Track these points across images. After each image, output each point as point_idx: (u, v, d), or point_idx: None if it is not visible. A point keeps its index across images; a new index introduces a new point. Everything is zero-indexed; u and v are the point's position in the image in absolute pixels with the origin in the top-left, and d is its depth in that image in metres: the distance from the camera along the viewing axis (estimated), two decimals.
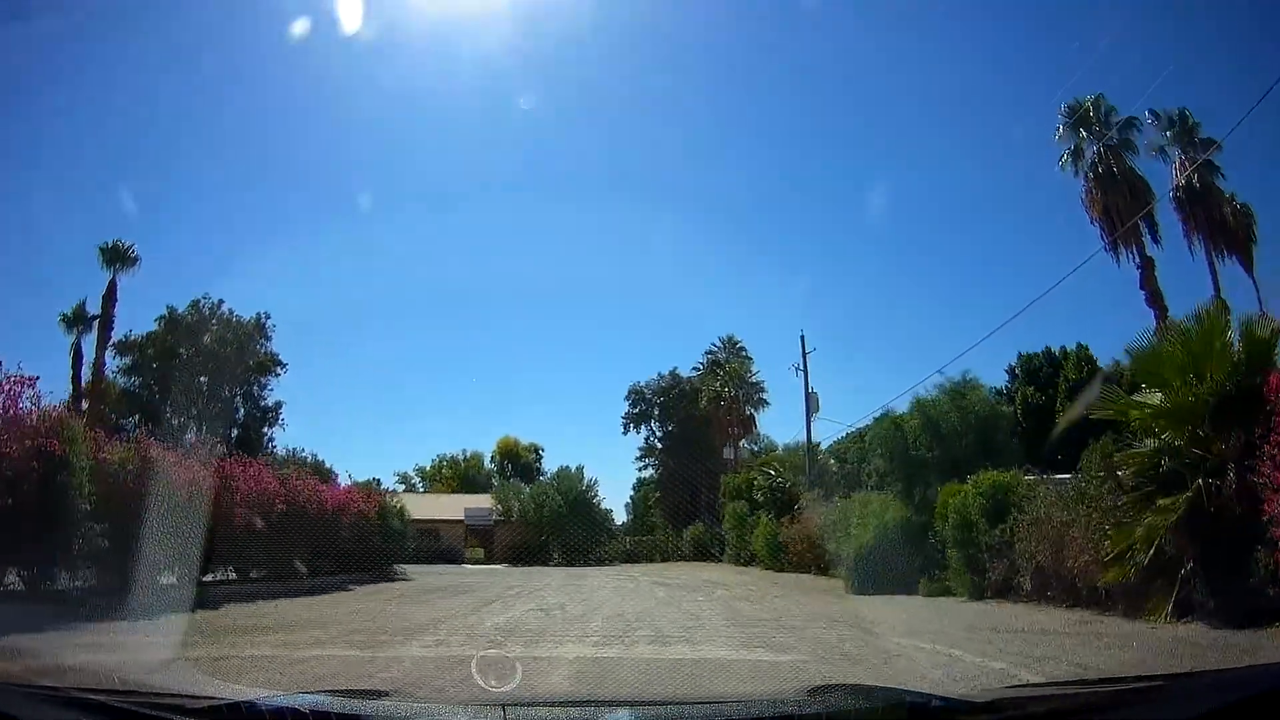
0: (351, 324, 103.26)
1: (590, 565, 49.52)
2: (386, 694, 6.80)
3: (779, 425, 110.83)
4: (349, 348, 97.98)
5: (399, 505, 39.60)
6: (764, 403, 69.14)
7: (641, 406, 77.32)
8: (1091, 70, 54.61)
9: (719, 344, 71.90)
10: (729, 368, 71.34)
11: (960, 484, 22.42)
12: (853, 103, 73.35)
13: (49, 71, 57.85)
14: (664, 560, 56.49)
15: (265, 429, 69.56)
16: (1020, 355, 50.65)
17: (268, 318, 66.94)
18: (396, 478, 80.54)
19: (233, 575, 27.01)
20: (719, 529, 54.18)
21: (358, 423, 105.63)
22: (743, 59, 70.73)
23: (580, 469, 63.41)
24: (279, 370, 70.52)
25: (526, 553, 54.40)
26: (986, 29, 62.38)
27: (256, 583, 25.81)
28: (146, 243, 63.24)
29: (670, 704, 5.40)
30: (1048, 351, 49.94)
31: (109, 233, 59.88)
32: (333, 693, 5.28)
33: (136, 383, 63.23)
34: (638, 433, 77.57)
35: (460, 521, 60.80)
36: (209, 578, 24.13)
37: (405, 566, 37.20)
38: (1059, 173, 43.81)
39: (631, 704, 5.42)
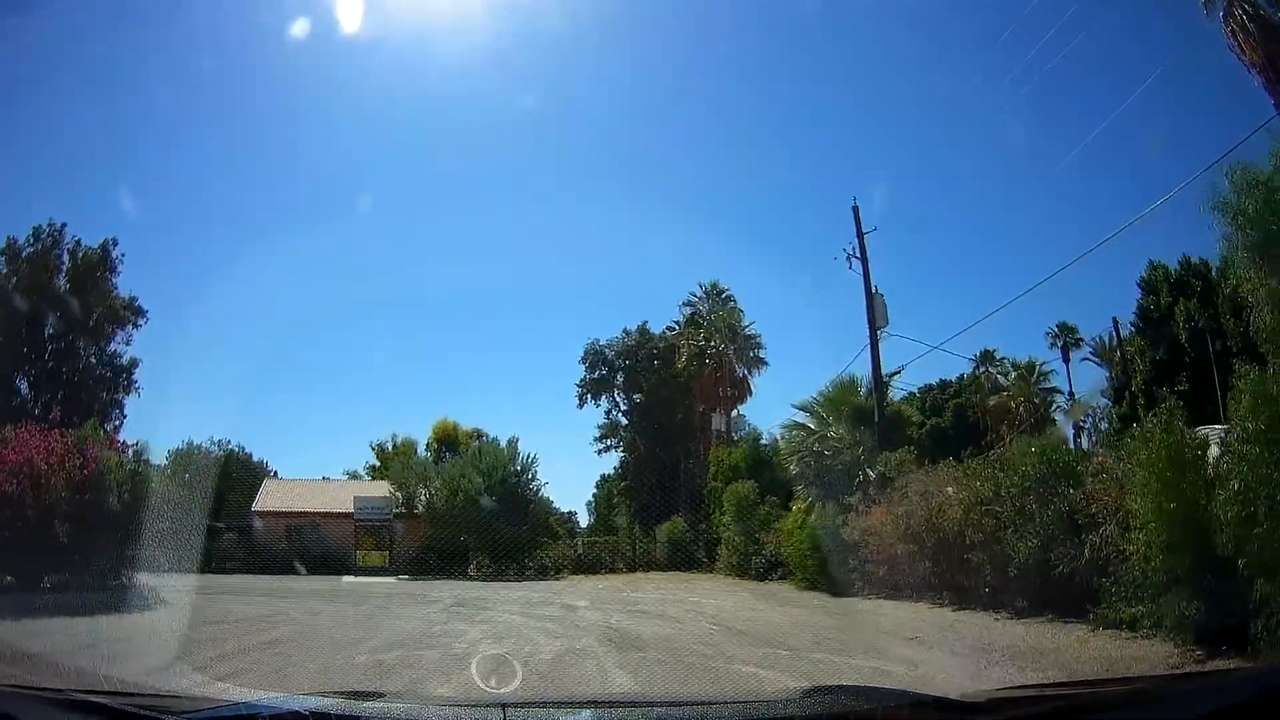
0: (300, 319, 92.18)
1: (527, 578, 41.68)
2: (386, 694, 7.27)
3: (779, 395, 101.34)
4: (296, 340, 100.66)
5: (129, 468, 27.81)
6: (761, 362, 60.04)
7: (601, 370, 66.93)
8: None
9: (700, 291, 63.43)
10: (715, 318, 60.98)
11: None
12: None
13: None
14: (630, 570, 48.02)
15: (115, 394, 62.87)
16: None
17: (115, 244, 60.05)
18: (346, 475, 71.35)
19: None
20: (705, 527, 46.22)
21: (304, 419, 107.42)
22: None
23: (513, 442, 50.96)
24: (136, 320, 62.43)
25: (437, 558, 44.87)
26: None
27: None
28: None
29: (671, 704, 5.54)
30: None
31: None
32: (332, 694, 5.57)
33: None
34: (596, 405, 67.50)
35: (348, 515, 50.47)
36: None
37: (226, 578, 34.21)
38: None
39: (631, 704, 5.74)
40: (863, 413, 30.55)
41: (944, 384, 64.99)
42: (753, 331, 57.02)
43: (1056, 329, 65.39)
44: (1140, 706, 3.39)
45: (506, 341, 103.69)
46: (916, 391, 57.78)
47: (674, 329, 61.38)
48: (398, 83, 68.38)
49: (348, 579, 38.75)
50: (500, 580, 38.56)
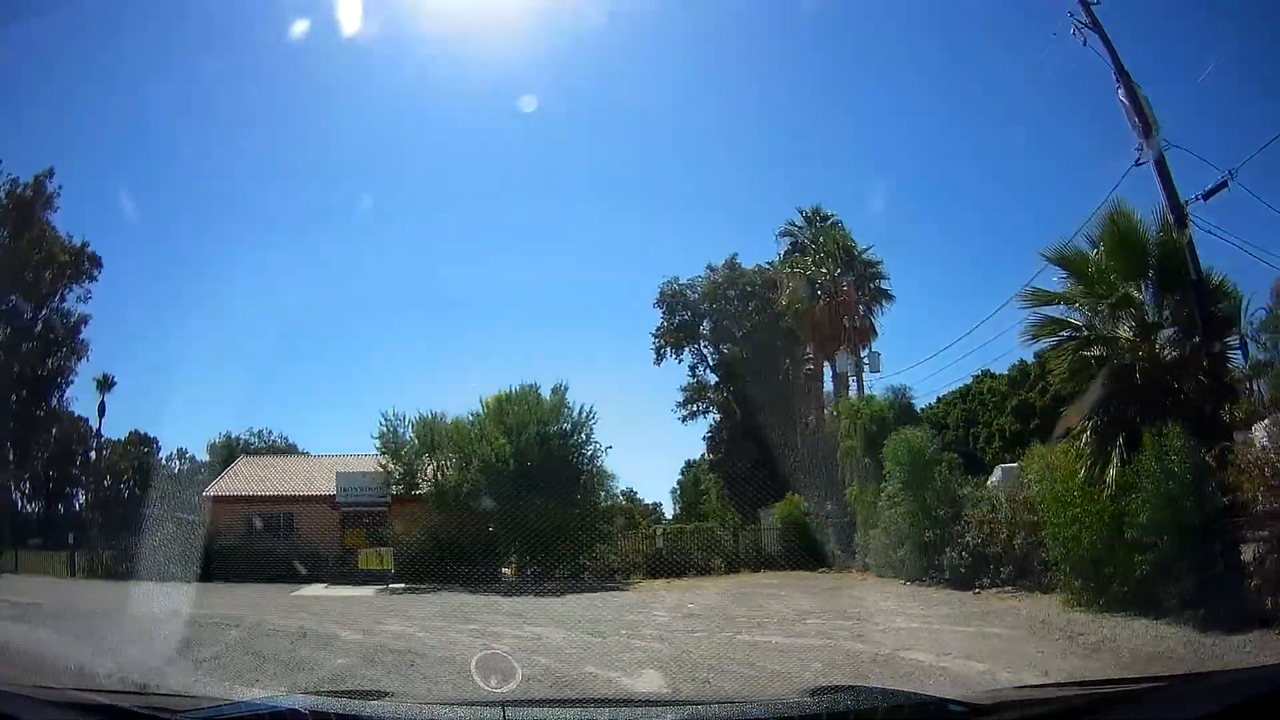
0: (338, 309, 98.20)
1: (583, 587, 31.42)
2: (387, 694, 7.42)
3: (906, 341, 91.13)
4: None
5: None
6: (884, 296, 48.88)
7: (683, 315, 56.39)
8: None
9: (800, 219, 53.02)
10: (825, 241, 48.97)
11: None
12: None
13: None
14: (730, 569, 36.16)
15: (58, 357, 54.63)
16: None
17: (50, 175, 51.96)
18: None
19: None
20: (834, 507, 35.66)
21: (338, 399, 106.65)
22: None
23: (559, 390, 38.44)
24: (91, 272, 55.42)
25: (451, 557, 34.66)
26: None
27: None
28: None
29: (670, 704, 5.98)
30: None
31: None
32: (332, 693, 6.51)
33: None
34: (678, 359, 57.69)
35: (329, 500, 40.89)
36: None
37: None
38: None
39: (631, 704, 6.08)
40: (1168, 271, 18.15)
41: None
42: (871, 256, 48.33)
43: None
44: (1141, 706, 3.42)
45: (574, 318, 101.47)
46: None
47: (773, 264, 54.14)
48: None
49: (310, 591, 31.62)
50: (537, 591, 30.18)
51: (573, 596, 27.22)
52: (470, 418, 37.20)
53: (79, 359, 54.50)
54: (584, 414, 36.92)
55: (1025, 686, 7.42)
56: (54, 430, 57.27)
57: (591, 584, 31.80)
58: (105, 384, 70.91)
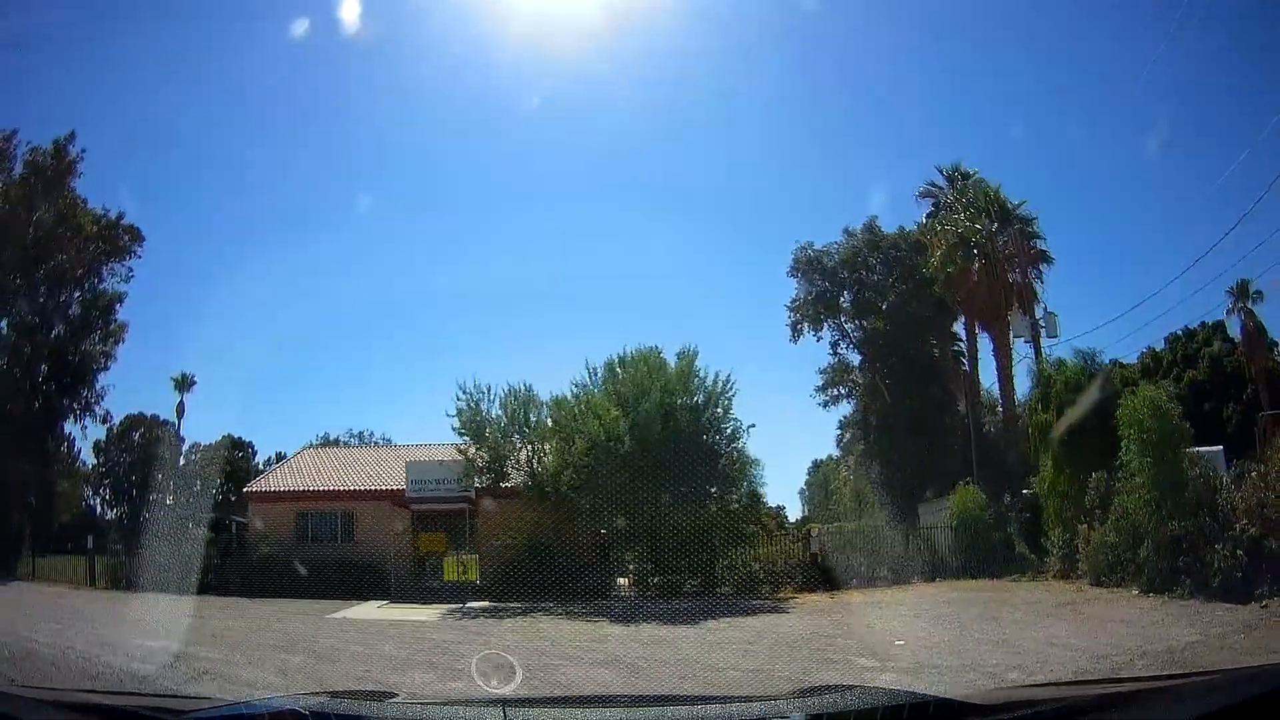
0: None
1: (723, 610, 24.08)
2: (387, 694, 6.83)
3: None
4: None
5: None
6: (1042, 258, 43.98)
7: (821, 286, 50.97)
8: None
9: (941, 179, 48.50)
10: (975, 195, 44.29)
11: None
12: None
13: None
14: (898, 580, 30.23)
15: (93, 341, 49.56)
16: None
17: (71, 140, 47.74)
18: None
19: None
20: (1016, 499, 31.76)
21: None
22: None
23: (686, 354, 31.41)
24: (128, 247, 50.14)
25: (552, 566, 28.53)
26: None
27: None
28: None
29: (669, 704, 5.19)
30: None
31: None
32: (332, 694, 5.45)
33: None
34: (816, 336, 52.49)
35: (398, 495, 34.25)
36: None
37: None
38: None
39: (630, 703, 5.89)
40: None
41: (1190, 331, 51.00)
42: (1027, 212, 44.08)
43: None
44: (1141, 706, 3.37)
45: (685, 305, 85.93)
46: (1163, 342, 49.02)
47: (910, 229, 50.28)
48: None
49: (357, 611, 25.71)
50: (663, 612, 23.58)
51: (714, 623, 21.25)
52: (573, 391, 31.45)
53: (116, 343, 50.40)
54: (720, 383, 30.84)
55: (1026, 686, 7.20)
56: (80, 422, 52.46)
57: (734, 600, 26.65)
58: (184, 384, 72.61)
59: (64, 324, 47.60)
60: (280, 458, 68.59)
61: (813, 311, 51.25)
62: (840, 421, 56.46)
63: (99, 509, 78.40)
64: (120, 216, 48.66)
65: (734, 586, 28.64)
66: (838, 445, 57.79)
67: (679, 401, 29.40)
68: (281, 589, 28.88)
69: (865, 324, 50.84)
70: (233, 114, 75.50)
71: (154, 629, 20.12)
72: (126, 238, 48.82)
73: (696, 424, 29.48)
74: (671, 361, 30.64)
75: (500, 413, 32.16)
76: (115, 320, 49.14)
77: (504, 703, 3.83)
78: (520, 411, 31.99)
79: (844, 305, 51.57)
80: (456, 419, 31.59)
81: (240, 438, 74.88)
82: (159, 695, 5.84)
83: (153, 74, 68.88)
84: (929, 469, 40.70)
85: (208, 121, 75.77)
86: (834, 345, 52.56)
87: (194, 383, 69.84)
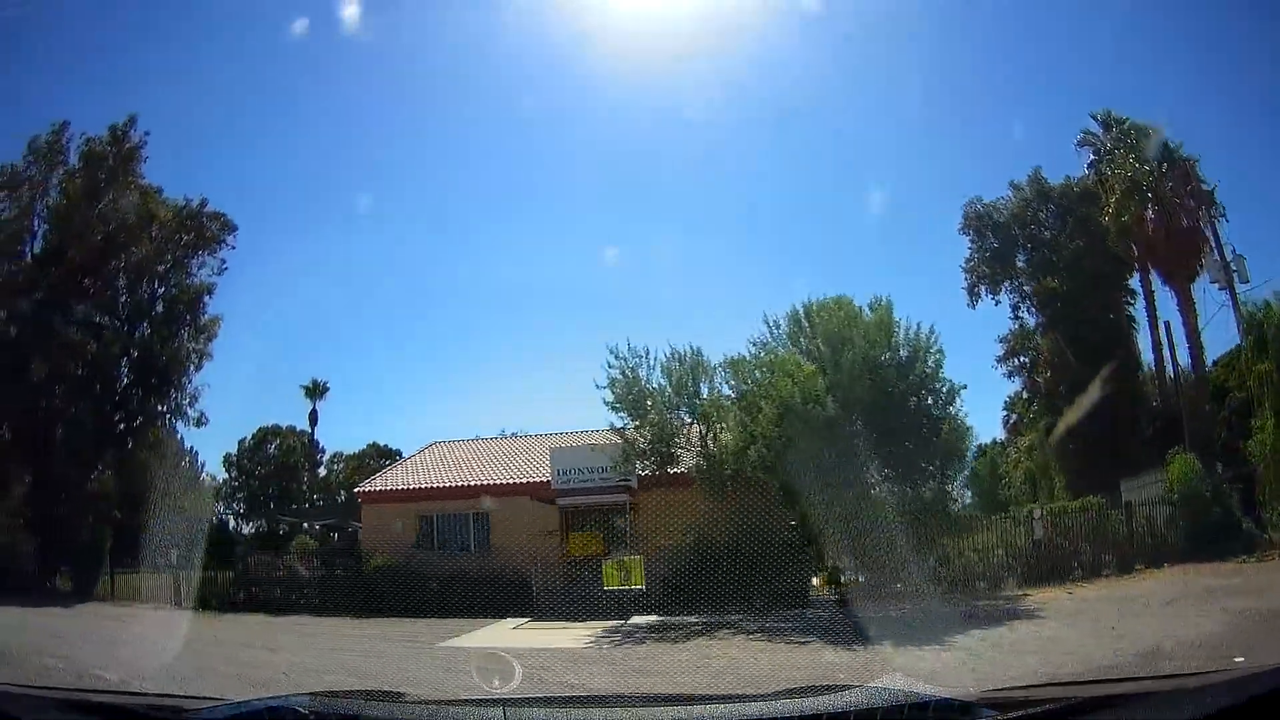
0: None
1: (963, 619, 19.41)
2: (392, 693, 6.62)
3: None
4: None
5: None
6: (1212, 200, 38.07)
7: (997, 244, 48.15)
8: None
9: (1096, 125, 43.59)
10: (1140, 143, 39.72)
11: None
12: None
13: None
14: (1123, 569, 26.56)
15: (181, 338, 45.07)
16: None
17: (132, 125, 43.79)
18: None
19: None
20: (1239, 469, 29.14)
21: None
22: None
23: (880, 304, 25.73)
24: (218, 238, 46.06)
25: (734, 566, 23.08)
26: None
27: None
28: None
29: (669, 704, 5.41)
30: None
31: None
32: (334, 694, 5.69)
33: None
34: (994, 299, 49.46)
35: (541, 489, 30.19)
36: None
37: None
38: None
39: (630, 703, 5.97)
40: None
41: None
42: (1188, 154, 39.77)
43: None
44: (1141, 706, 3.43)
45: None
46: None
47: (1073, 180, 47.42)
48: None
49: (482, 636, 22.00)
50: (885, 627, 18.62)
51: (968, 639, 16.61)
52: (750, 351, 26.98)
53: (209, 339, 46.70)
54: (926, 337, 25.84)
55: (1026, 685, 5.82)
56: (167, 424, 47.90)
57: (955, 601, 22.78)
58: (316, 390, 72.54)
59: (146, 322, 44.29)
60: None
61: (989, 271, 48.81)
62: (1006, 401, 54.69)
63: (232, 523, 77.41)
64: (203, 204, 45.38)
65: (944, 584, 24.69)
66: (1004, 427, 55.63)
67: (882, 356, 24.54)
68: (399, 607, 26.05)
69: (1042, 283, 47.55)
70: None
71: (163, 658, 16.60)
72: (214, 226, 45.41)
73: (904, 383, 24.65)
74: (865, 314, 25.82)
75: (663, 381, 26.90)
76: (205, 314, 45.55)
77: (504, 702, 4.11)
78: (687, 379, 26.88)
79: (1018, 267, 48.92)
80: (609, 390, 26.87)
81: (386, 445, 74.19)
82: (159, 695, 5.47)
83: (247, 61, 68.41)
84: (1122, 441, 38.08)
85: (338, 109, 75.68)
86: (1014, 308, 50.04)
87: (327, 389, 71.10)
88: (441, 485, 33.25)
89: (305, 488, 76.25)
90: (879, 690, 4.44)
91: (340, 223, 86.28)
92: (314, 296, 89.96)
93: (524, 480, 31.89)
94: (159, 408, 45.51)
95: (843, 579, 25.34)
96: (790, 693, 4.85)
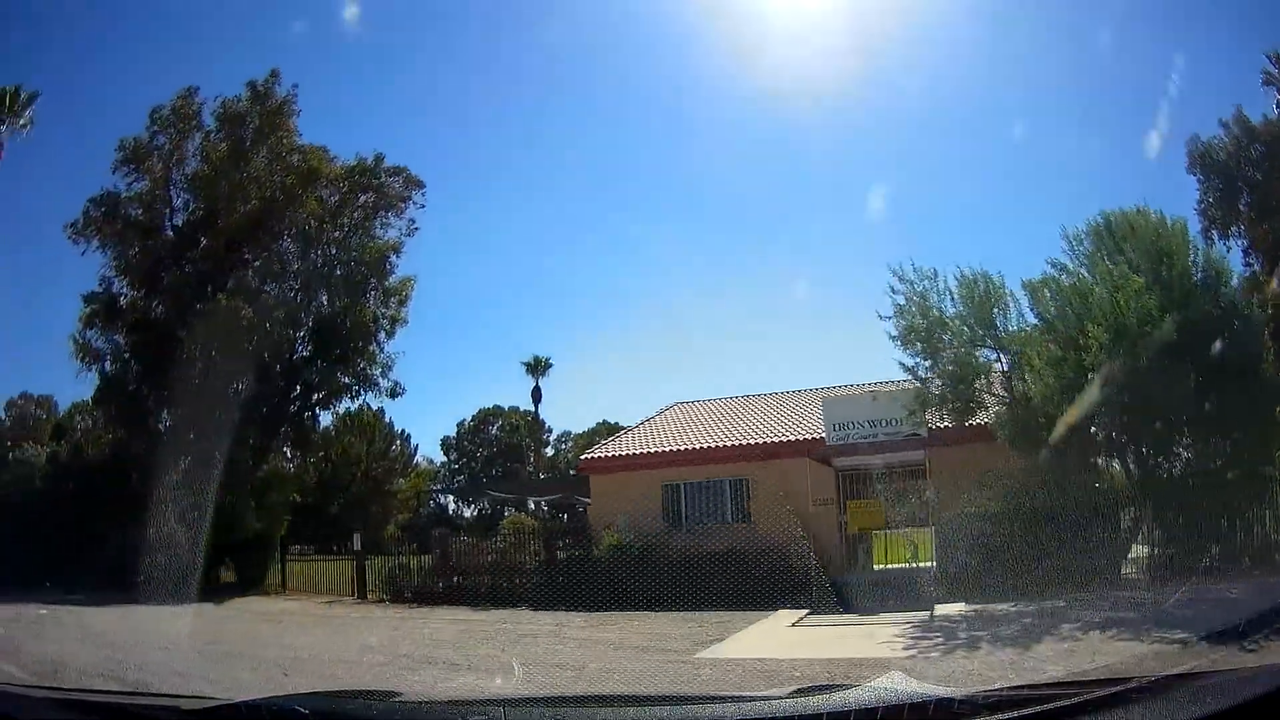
0: None
1: None
2: (391, 693, 6.44)
3: None
4: None
5: None
6: None
7: (1215, 182, 42.49)
8: None
9: (1270, 64, 41.43)
10: None
11: None
12: None
13: None
14: None
15: (366, 303, 40.90)
16: None
17: (275, 80, 40.08)
18: None
19: None
20: None
21: None
22: None
23: (1176, 221, 22.41)
24: (405, 195, 41.73)
25: (1043, 539, 18.92)
26: None
27: None
28: None
29: (670, 703, 5.18)
30: None
31: None
32: (334, 693, 5.92)
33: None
34: (1225, 244, 42.00)
35: (813, 448, 26.55)
36: None
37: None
38: None
39: (629, 703, 5.89)
40: None
41: None
42: None
43: None
44: (1140, 706, 3.49)
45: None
46: None
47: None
48: None
49: (763, 633, 18.16)
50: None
51: None
52: (1049, 272, 23.18)
53: (400, 303, 42.91)
54: (1215, 258, 22.67)
55: (1026, 685, 5.47)
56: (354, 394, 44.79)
57: None
58: (538, 366, 73.79)
59: (323, 288, 41.13)
60: None
61: (1218, 210, 43.66)
62: None
63: (451, 507, 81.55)
64: (379, 159, 42.33)
65: (1251, 556, 20.19)
66: None
67: (1195, 278, 21.42)
68: (638, 597, 22.66)
69: (1268, 228, 43.64)
70: None
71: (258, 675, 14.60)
72: (396, 183, 42.27)
73: (1215, 311, 20.55)
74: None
75: (960, 308, 23.19)
76: (392, 277, 42.41)
77: (504, 702, 4.42)
78: (987, 306, 22.76)
79: (1243, 209, 43.94)
80: (894, 321, 23.85)
81: (615, 423, 73.78)
82: (160, 695, 5.99)
83: None
84: None
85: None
86: (1245, 251, 44.79)
87: (549, 365, 73.67)
88: (690, 447, 30.00)
89: (531, 468, 76.24)
90: (879, 690, 4.45)
91: (548, 186, 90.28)
92: (530, 267, 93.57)
93: (790, 439, 28.73)
94: (344, 379, 41.97)
95: (1169, 553, 20.33)
96: (791, 692, 4.85)
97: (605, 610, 22.20)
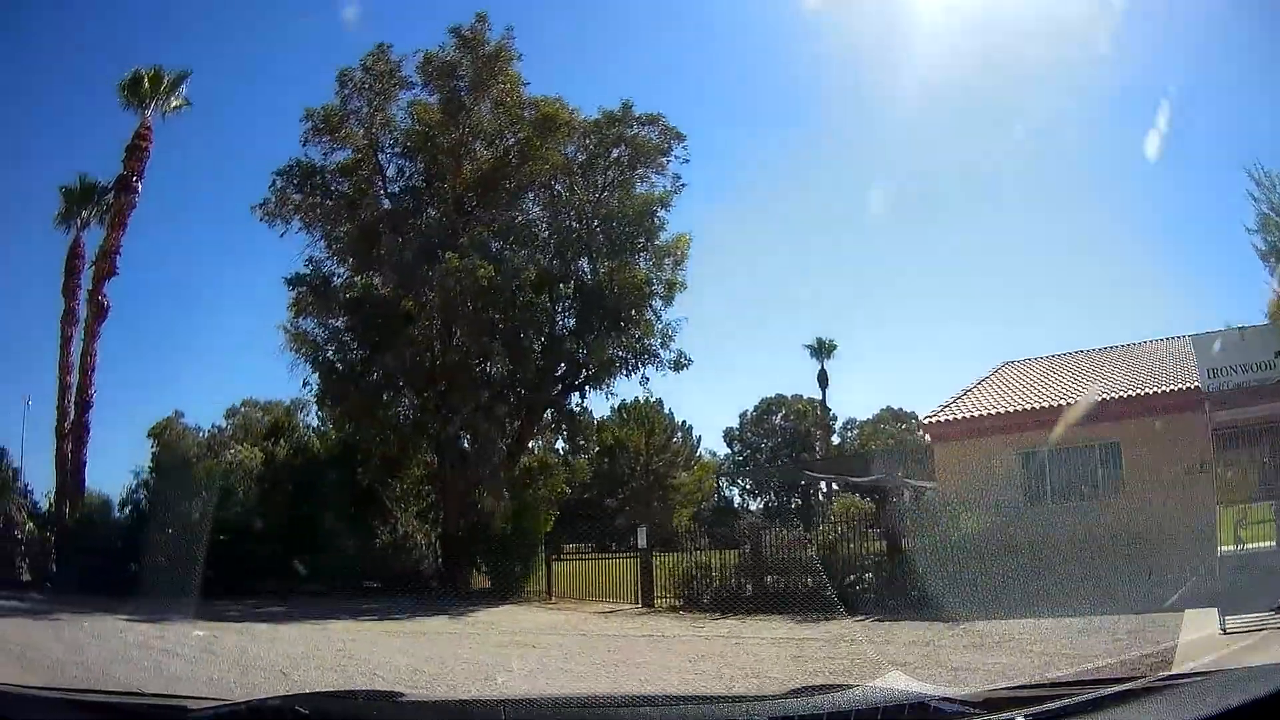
0: None
1: None
2: (392, 693, 7.35)
3: None
4: None
5: None
6: None
7: None
8: None
9: None
10: None
11: None
12: None
13: None
14: None
15: (637, 261, 34.73)
16: None
17: (483, 23, 35.45)
18: None
19: None
20: None
21: None
22: None
23: None
24: (664, 147, 35.68)
25: None
26: None
27: None
28: None
29: (669, 704, 5.78)
30: None
31: None
32: (334, 693, 6.08)
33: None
34: None
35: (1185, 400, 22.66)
36: None
37: None
38: None
39: (629, 703, 5.89)
40: None
41: None
42: None
43: None
44: (1140, 706, 3.63)
45: None
46: None
47: None
48: None
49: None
50: None
51: None
52: None
53: (676, 263, 37.02)
54: None
55: (1026, 685, 6.99)
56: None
57: None
58: (823, 349, 70.42)
59: (583, 252, 37.05)
60: None
61: None
62: None
63: (736, 500, 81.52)
64: (628, 106, 37.33)
65: None
66: None
67: None
68: (1013, 600, 17.06)
69: None
70: None
71: None
72: (653, 134, 37.04)
73: None
74: None
75: None
76: (662, 235, 36.95)
77: (504, 703, 4.52)
78: None
79: None
80: (1260, 235, 22.21)
81: (901, 409, 72.59)
82: (161, 695, 5.68)
83: None
84: None
85: None
86: None
87: (834, 348, 73.21)
88: (1055, 405, 25.28)
89: (819, 456, 73.17)
90: (879, 690, 4.76)
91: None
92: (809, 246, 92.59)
93: (1157, 390, 24.97)
94: (617, 352, 36.93)
95: None
96: (792, 692, 5.17)
97: (972, 619, 16.15)
